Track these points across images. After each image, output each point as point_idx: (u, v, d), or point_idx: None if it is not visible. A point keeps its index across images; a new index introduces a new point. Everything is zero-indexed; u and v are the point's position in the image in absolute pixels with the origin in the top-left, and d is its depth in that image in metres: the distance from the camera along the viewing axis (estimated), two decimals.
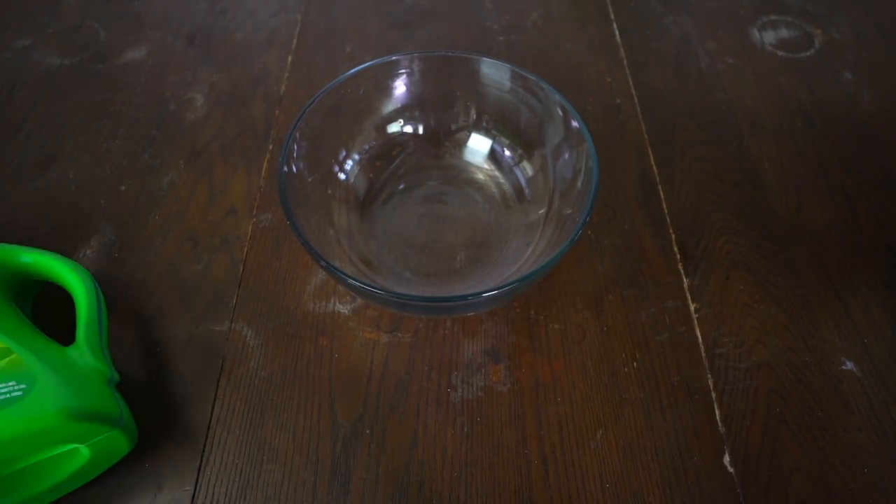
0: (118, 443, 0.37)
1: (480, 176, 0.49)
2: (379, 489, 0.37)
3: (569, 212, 0.41)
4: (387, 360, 0.42)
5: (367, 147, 0.48)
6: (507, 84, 0.46)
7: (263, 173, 0.52)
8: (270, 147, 0.54)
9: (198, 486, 0.38)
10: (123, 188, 0.52)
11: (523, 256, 0.44)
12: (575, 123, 0.42)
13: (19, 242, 0.48)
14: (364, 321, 0.44)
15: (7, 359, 0.34)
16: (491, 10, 0.65)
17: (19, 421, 0.32)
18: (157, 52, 0.62)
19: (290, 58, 0.61)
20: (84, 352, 0.37)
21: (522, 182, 0.48)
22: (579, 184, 0.41)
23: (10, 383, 0.33)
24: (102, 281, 0.46)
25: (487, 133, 0.49)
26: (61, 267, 0.42)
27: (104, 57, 0.61)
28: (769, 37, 0.63)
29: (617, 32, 0.63)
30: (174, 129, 0.55)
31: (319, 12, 0.65)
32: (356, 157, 0.48)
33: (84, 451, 0.35)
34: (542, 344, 0.43)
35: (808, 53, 0.61)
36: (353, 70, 0.45)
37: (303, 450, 0.39)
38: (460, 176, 0.50)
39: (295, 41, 0.63)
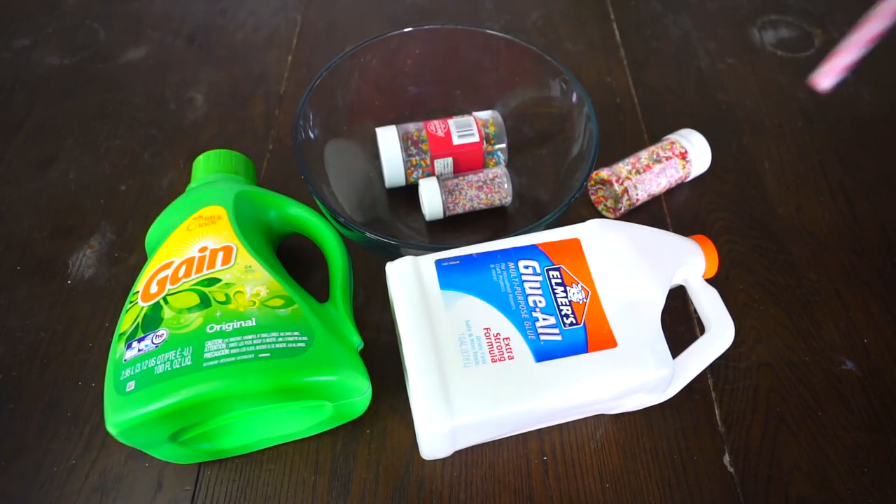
0: (355, 409, 0.38)
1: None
2: (379, 489, 0.37)
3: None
4: (387, 360, 0.42)
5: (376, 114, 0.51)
6: (509, 56, 0.49)
7: (263, 173, 0.52)
8: (270, 147, 0.54)
9: (198, 486, 0.38)
10: (123, 188, 0.52)
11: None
12: (575, 94, 0.45)
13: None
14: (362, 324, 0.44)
15: (291, 308, 0.35)
16: (491, 10, 0.65)
17: (304, 372, 0.33)
18: (157, 52, 0.62)
19: (289, 58, 0.61)
20: (341, 313, 0.38)
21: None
22: (579, 149, 0.45)
23: (295, 333, 0.34)
24: (102, 279, 0.46)
25: (489, 106, 0.52)
26: (322, 225, 0.42)
27: (104, 57, 0.61)
28: (769, 37, 0.63)
29: (617, 32, 0.63)
30: (174, 129, 0.55)
31: (319, 12, 0.65)
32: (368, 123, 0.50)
33: (327, 409, 0.36)
34: None
35: (808, 53, 0.61)
36: (361, 42, 0.48)
37: (303, 450, 0.39)
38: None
39: (295, 41, 0.63)
